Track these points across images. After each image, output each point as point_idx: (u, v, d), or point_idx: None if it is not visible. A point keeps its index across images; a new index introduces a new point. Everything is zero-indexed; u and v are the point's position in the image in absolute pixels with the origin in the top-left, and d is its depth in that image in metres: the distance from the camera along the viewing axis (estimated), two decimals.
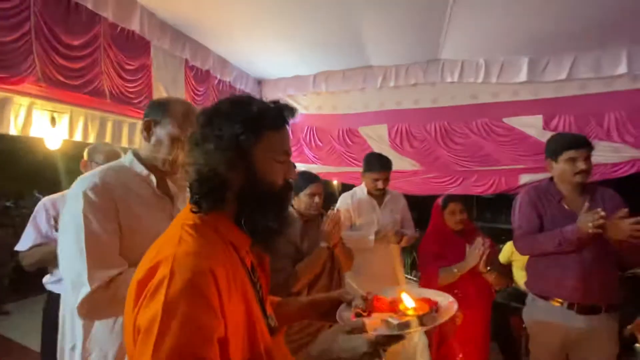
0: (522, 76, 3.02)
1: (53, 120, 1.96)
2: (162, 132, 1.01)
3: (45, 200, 1.68)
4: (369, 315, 0.78)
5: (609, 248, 1.58)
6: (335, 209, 1.80)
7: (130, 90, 2.33)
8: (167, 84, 2.66)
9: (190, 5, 2.39)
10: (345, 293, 0.89)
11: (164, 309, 0.53)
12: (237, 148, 0.66)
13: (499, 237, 3.36)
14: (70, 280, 0.90)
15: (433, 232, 2.05)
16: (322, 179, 1.76)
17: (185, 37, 2.80)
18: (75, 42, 1.97)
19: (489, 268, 1.84)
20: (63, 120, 2.06)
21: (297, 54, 3.24)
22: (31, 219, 1.64)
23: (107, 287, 0.87)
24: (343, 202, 2.26)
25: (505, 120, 3.17)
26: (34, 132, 1.92)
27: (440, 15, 2.39)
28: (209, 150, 0.66)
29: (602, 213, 1.46)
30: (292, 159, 0.81)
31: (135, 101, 2.38)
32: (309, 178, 1.63)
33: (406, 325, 0.71)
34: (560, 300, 1.68)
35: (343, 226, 1.76)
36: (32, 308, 3.75)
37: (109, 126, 2.34)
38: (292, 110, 0.73)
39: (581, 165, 1.63)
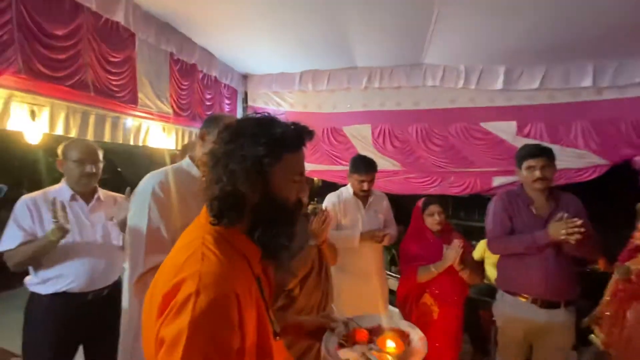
0: (499, 84, 3.18)
1: (33, 113, 1.89)
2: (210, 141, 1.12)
3: (27, 198, 1.63)
4: (351, 344, 0.86)
5: (566, 249, 1.75)
6: (323, 208, 1.86)
7: (115, 83, 2.27)
8: (151, 77, 2.61)
9: None
10: (329, 320, 0.95)
11: (191, 326, 0.57)
12: (259, 169, 0.68)
13: (472, 235, 3.55)
14: (130, 264, 1.06)
15: (413, 232, 2.17)
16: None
17: (171, 30, 2.75)
18: (58, 32, 1.91)
19: (462, 266, 1.97)
20: (43, 114, 1.99)
21: (284, 51, 3.25)
22: (12, 218, 1.58)
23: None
24: (329, 201, 2.33)
25: (482, 124, 3.34)
26: (12, 126, 1.85)
27: (425, 22, 2.47)
28: (233, 170, 0.68)
29: (578, 222, 1.61)
30: None
31: (119, 95, 2.32)
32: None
33: None
34: (525, 296, 1.84)
35: (331, 224, 1.83)
36: None
37: (92, 120, 2.27)
38: (310, 133, 0.77)
39: (537, 173, 1.79)
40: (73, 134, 2.12)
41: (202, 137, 1.19)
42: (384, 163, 3.52)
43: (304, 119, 3.26)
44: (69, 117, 2.10)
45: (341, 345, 0.85)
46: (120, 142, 2.45)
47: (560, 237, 1.64)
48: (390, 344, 0.87)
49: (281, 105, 3.82)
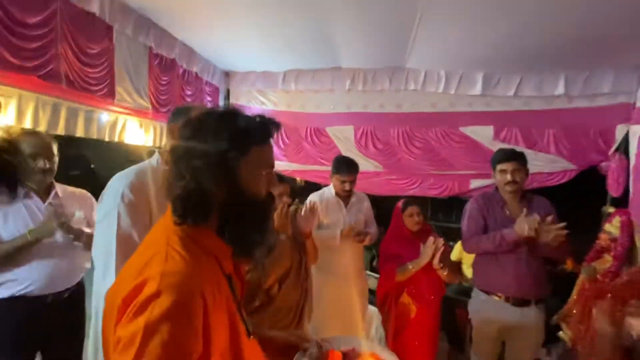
0: (477, 89, 3.28)
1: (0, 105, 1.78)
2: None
3: None
4: None
5: (539, 249, 1.82)
6: (310, 202, 1.87)
7: (91, 76, 2.18)
8: (130, 71, 2.52)
9: None
10: (302, 340, 0.93)
11: (146, 327, 0.54)
12: (224, 164, 0.66)
13: (449, 235, 3.64)
14: (100, 271, 0.99)
15: (392, 233, 2.21)
16: (287, 176, 1.80)
17: (150, 23, 2.66)
18: (29, 20, 1.81)
19: (441, 265, 2.02)
20: (10, 106, 1.88)
21: (268, 49, 3.21)
22: None
23: None
24: (311, 201, 2.32)
25: (461, 129, 3.43)
26: None
27: (408, 26, 2.52)
28: (196, 167, 0.65)
29: (538, 218, 1.69)
30: None
31: (96, 88, 2.23)
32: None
33: None
34: (499, 294, 1.91)
35: (313, 217, 1.82)
36: None
37: (63, 114, 2.16)
38: (277, 125, 0.74)
39: (508, 177, 1.88)
40: (42, 127, 2.01)
41: (172, 132, 1.12)
42: (366, 164, 3.55)
43: (288, 118, 3.24)
44: (38, 109, 2.00)
45: None
46: (95, 137, 2.36)
47: (524, 233, 1.71)
48: None
49: (264, 103, 3.78)
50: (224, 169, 0.66)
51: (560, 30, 2.37)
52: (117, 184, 1.04)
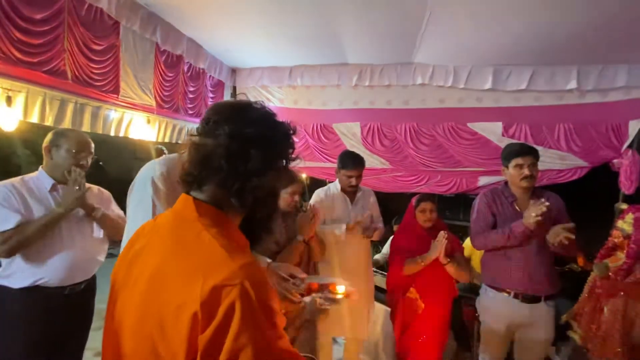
0: (487, 84, 3.22)
1: (9, 99, 1.80)
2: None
3: (3, 186, 1.54)
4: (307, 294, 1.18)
5: (549, 247, 1.79)
6: (311, 204, 1.86)
7: (96, 71, 2.19)
8: (135, 67, 2.53)
9: None
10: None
11: (256, 346, 0.54)
12: (280, 165, 0.72)
13: (457, 233, 3.60)
14: None
15: (404, 228, 2.20)
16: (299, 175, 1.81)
17: (157, 19, 2.67)
18: (36, 16, 1.82)
19: (448, 260, 1.99)
20: (18, 100, 1.90)
21: (274, 45, 3.20)
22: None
23: None
24: (317, 197, 2.31)
25: (469, 125, 3.38)
26: None
27: (417, 22, 2.48)
28: (260, 157, 0.67)
29: (547, 203, 1.66)
30: None
31: (100, 83, 2.24)
32: (292, 178, 1.67)
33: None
34: (508, 290, 1.88)
35: (318, 220, 1.83)
36: None
37: (70, 109, 2.18)
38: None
39: (526, 171, 1.84)
40: (49, 122, 2.03)
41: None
42: (372, 161, 3.53)
43: (294, 115, 3.23)
44: (45, 104, 2.01)
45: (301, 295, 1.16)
46: (101, 132, 2.37)
47: (530, 220, 1.68)
48: (340, 289, 1.20)
49: (270, 100, 3.77)
50: (279, 169, 0.72)
51: (573, 24, 2.32)
52: (147, 174, 1.04)
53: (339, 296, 1.18)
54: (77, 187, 1.57)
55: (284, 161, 0.72)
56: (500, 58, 3.04)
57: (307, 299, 1.16)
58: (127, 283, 0.68)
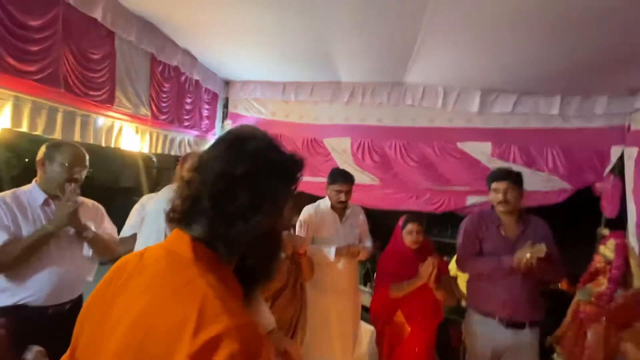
0: (475, 106, 3.30)
1: None
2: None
3: None
4: None
5: (534, 273, 1.81)
6: (300, 222, 1.85)
7: (91, 80, 2.17)
8: (131, 77, 2.52)
9: None
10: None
11: None
12: (281, 202, 0.66)
13: (445, 251, 3.62)
14: None
15: (392, 249, 2.19)
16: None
17: (153, 30, 2.68)
18: (31, 23, 1.81)
19: (437, 285, 1.99)
20: (6, 108, 1.87)
21: (268, 61, 3.24)
22: None
23: None
24: (306, 213, 2.31)
25: (458, 144, 3.44)
26: None
27: (410, 45, 2.55)
28: (257, 192, 0.61)
29: (545, 249, 1.68)
30: None
31: (95, 93, 2.22)
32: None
33: None
34: (493, 315, 1.89)
35: (307, 237, 1.83)
36: None
37: (59, 118, 2.15)
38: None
39: (500, 196, 1.88)
40: (39, 131, 2.00)
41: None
42: (362, 177, 3.55)
43: (285, 128, 3.24)
44: (34, 113, 1.98)
45: None
46: (90, 142, 2.34)
47: (522, 262, 1.70)
48: None
49: (262, 112, 3.79)
50: (275, 209, 0.64)
51: (555, 57, 2.43)
52: (163, 205, 1.04)
53: None
54: (69, 203, 1.53)
55: (283, 199, 0.65)
56: (487, 83, 3.14)
57: None
58: (104, 323, 0.61)
